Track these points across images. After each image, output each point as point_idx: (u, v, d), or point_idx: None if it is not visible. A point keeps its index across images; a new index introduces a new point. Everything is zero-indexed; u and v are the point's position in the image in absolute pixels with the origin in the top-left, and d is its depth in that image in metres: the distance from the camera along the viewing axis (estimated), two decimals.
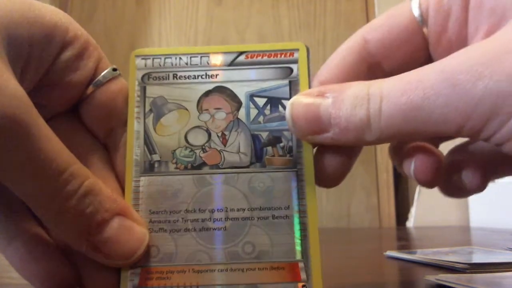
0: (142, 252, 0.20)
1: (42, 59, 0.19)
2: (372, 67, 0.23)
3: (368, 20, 1.05)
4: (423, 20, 0.22)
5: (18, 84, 0.17)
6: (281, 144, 0.22)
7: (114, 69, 0.22)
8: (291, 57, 0.23)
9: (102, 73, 0.21)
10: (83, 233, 0.18)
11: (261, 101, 0.22)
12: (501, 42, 0.17)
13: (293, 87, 0.22)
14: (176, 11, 1.08)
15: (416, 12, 0.22)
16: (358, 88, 0.19)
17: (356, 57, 0.23)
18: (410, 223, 0.94)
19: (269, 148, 0.22)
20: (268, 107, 0.22)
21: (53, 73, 0.20)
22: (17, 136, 0.16)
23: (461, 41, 0.21)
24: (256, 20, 1.07)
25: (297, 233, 0.20)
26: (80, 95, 0.21)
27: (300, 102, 0.20)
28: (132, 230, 0.19)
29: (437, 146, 0.25)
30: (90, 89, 0.21)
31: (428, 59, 0.22)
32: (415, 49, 0.22)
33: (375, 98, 0.18)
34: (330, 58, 0.23)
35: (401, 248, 0.49)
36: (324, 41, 1.04)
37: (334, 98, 0.19)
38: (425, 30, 0.22)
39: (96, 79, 0.21)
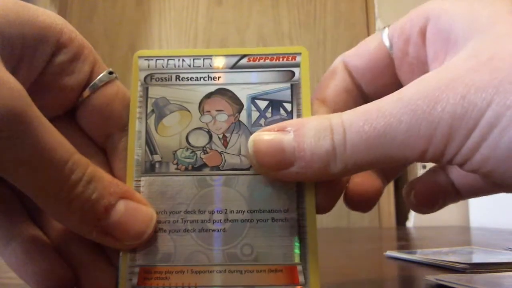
0: (152, 230, 0.20)
1: (35, 60, 0.19)
2: (358, 88, 0.24)
3: (368, 20, 1.05)
4: (391, 46, 0.23)
5: (15, 79, 0.17)
6: None
7: (110, 72, 0.22)
8: (293, 60, 0.23)
9: (98, 77, 0.21)
10: (91, 220, 0.19)
11: (262, 104, 0.22)
12: (454, 69, 0.18)
13: (295, 90, 0.22)
14: (176, 11, 1.08)
15: (385, 40, 0.23)
16: (319, 121, 0.19)
17: (342, 79, 0.24)
18: (410, 223, 0.94)
19: None
20: (270, 110, 0.22)
21: (48, 75, 0.20)
22: (21, 129, 0.16)
23: (421, 64, 0.22)
24: (256, 20, 1.07)
25: (295, 236, 0.20)
26: (76, 99, 0.21)
27: (261, 139, 0.20)
28: (138, 211, 0.20)
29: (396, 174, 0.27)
30: (86, 92, 0.21)
31: (400, 85, 0.23)
32: (387, 73, 0.24)
33: (338, 129, 0.19)
34: (321, 80, 0.25)
35: (401, 248, 0.49)
36: (324, 41, 1.04)
37: (295, 132, 0.19)
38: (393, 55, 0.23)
39: (92, 83, 0.21)
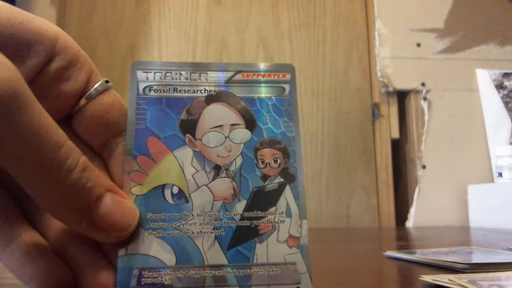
0: (136, 224, 0.20)
1: (28, 62, 0.19)
2: None
3: (368, 20, 1.05)
4: None
5: (9, 60, 0.17)
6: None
7: (106, 82, 0.22)
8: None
9: (94, 86, 0.21)
10: (83, 209, 0.19)
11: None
12: None
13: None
14: (176, 11, 1.08)
15: None
16: None
17: None
18: (409, 223, 0.94)
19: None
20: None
21: (44, 81, 0.20)
22: (16, 107, 0.16)
23: None
24: (256, 20, 1.07)
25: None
26: (72, 107, 0.21)
27: None
28: (124, 204, 0.20)
29: None
30: (83, 101, 0.21)
31: None
32: None
33: None
34: None
35: (400, 248, 0.49)
36: (324, 41, 1.04)
37: None
38: None
39: (88, 92, 0.21)
